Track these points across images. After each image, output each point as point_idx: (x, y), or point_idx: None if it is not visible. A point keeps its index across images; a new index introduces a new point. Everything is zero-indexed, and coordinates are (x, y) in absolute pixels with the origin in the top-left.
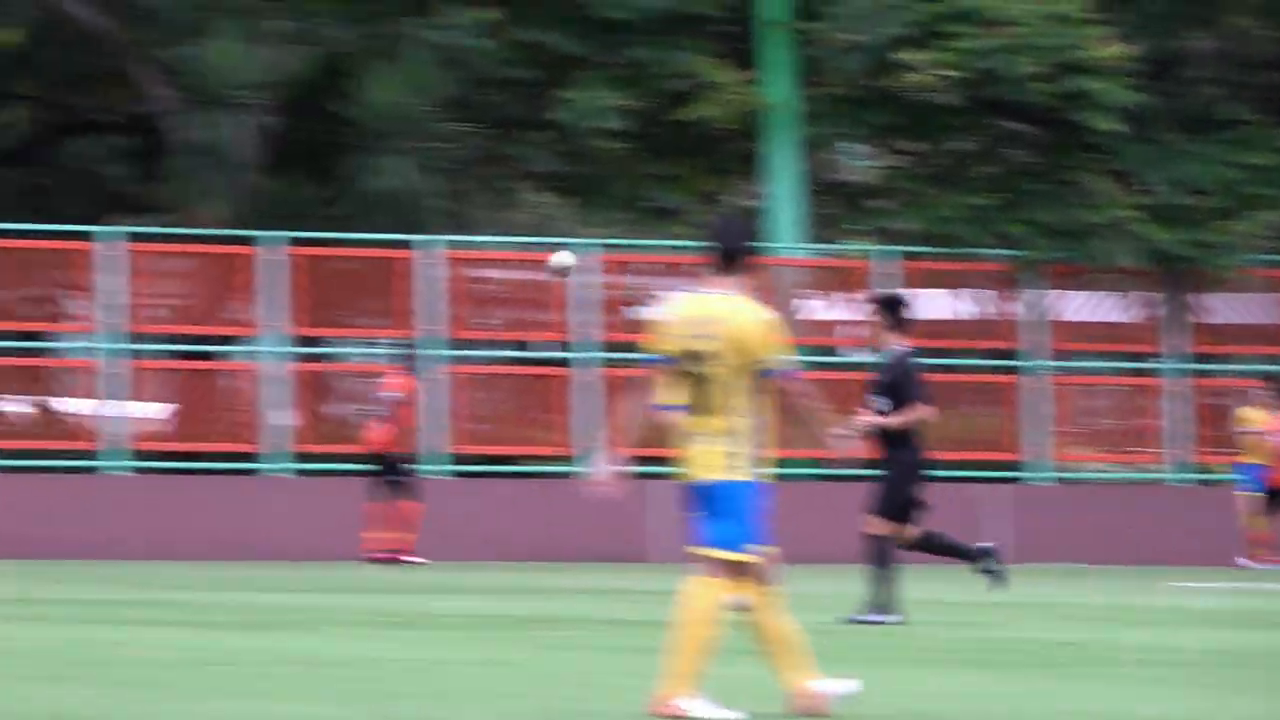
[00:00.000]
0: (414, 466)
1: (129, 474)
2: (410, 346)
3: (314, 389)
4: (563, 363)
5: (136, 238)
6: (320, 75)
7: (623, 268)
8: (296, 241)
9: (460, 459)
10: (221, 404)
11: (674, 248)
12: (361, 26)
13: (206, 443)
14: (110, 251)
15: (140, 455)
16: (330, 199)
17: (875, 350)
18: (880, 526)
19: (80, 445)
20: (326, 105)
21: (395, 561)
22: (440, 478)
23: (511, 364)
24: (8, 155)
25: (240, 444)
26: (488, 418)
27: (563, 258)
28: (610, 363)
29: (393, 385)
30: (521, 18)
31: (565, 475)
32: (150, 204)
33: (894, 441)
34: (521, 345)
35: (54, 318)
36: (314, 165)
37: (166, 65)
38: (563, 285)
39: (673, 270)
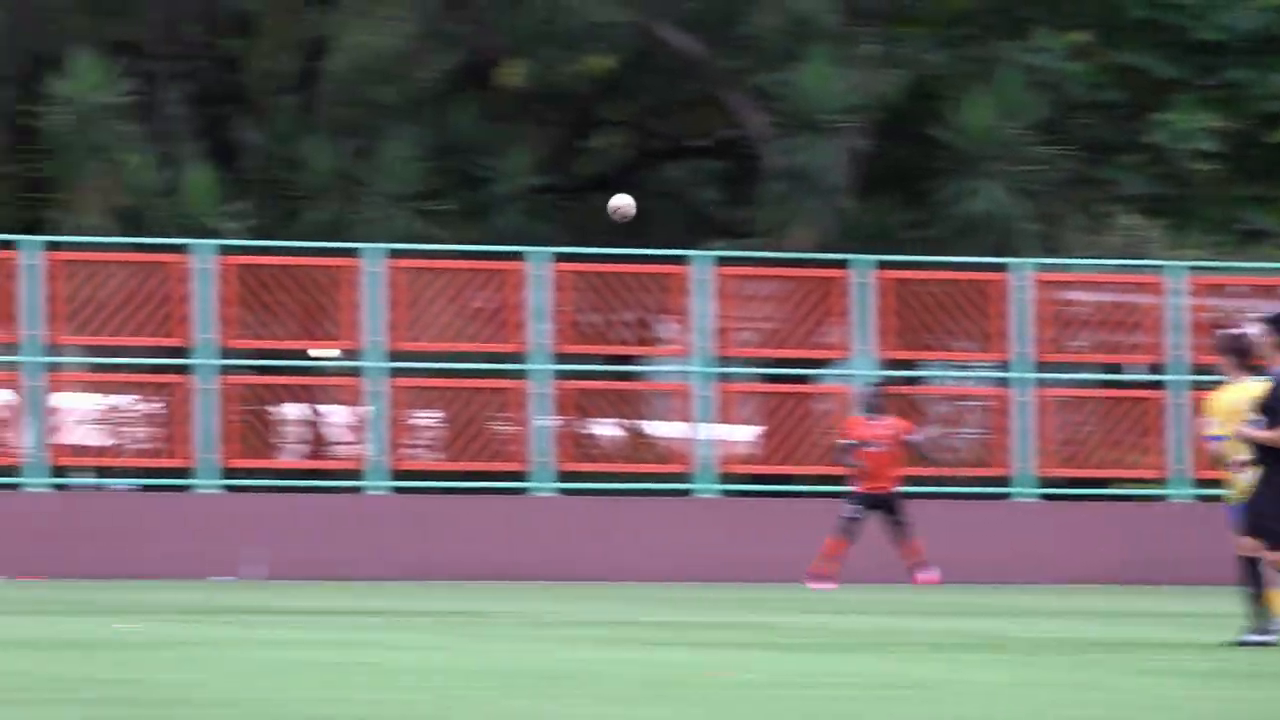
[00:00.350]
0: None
1: (717, 497)
2: (876, 387)
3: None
4: (1155, 385)
5: (726, 261)
6: (911, 98)
7: (1213, 290)
8: (885, 265)
9: (1047, 481)
10: (811, 427)
11: (1266, 270)
12: (953, 50)
13: (795, 465)
14: (702, 275)
15: (728, 478)
16: (920, 222)
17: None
18: (1251, 547)
19: (671, 469)
20: (917, 128)
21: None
22: (1027, 500)
23: (1100, 387)
24: (602, 180)
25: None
26: (1076, 440)
27: (620, 200)
28: (1201, 385)
29: (856, 429)
30: (1113, 41)
31: (1158, 498)
32: (741, 228)
33: (1271, 461)
34: (1112, 368)
35: (646, 341)
36: (904, 188)
37: (759, 90)
38: (1156, 307)
39: (1264, 292)
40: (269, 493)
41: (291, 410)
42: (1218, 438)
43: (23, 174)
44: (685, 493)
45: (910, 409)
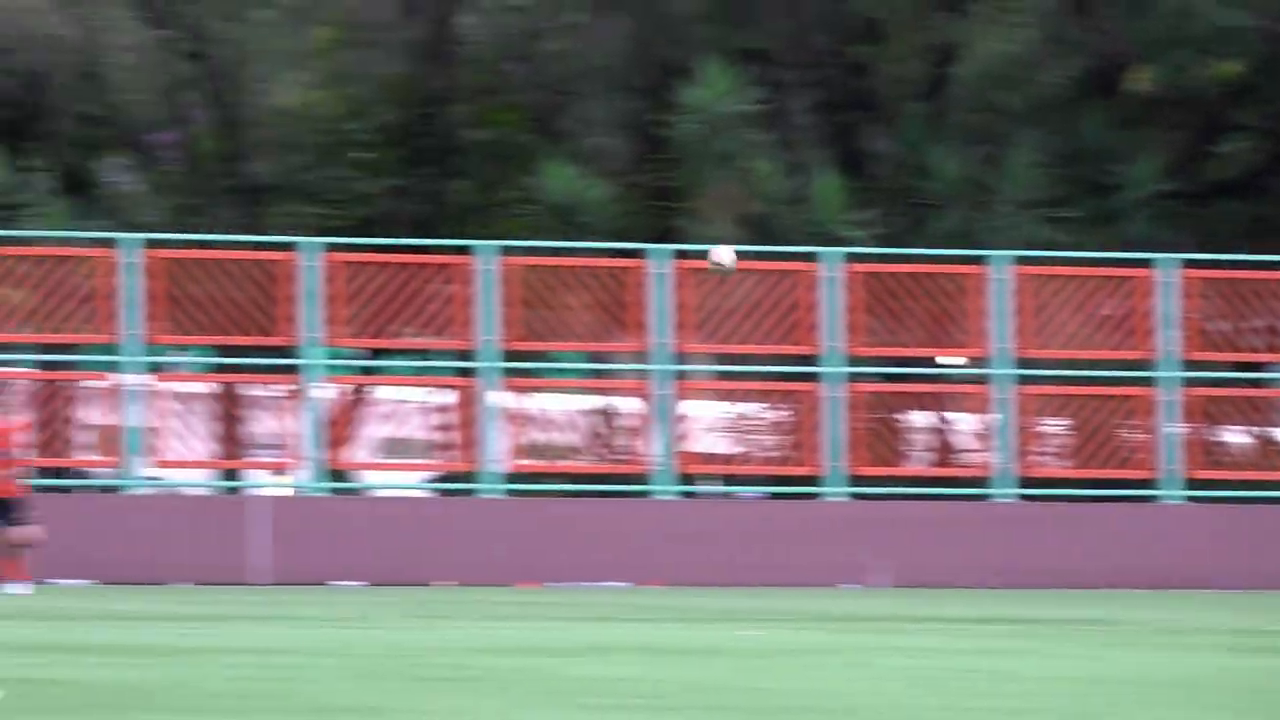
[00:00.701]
0: None
1: None
2: None
3: None
4: None
5: None
6: None
7: None
8: None
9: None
10: None
11: None
12: None
13: None
14: None
15: None
16: None
17: None
18: None
19: None
20: None
21: None
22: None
23: None
24: (1230, 186)
25: None
26: None
27: (721, 255)
28: None
29: None
30: None
31: None
32: None
33: None
34: None
35: (1277, 348)
36: None
37: None
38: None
39: None
40: (896, 500)
41: (919, 418)
42: None
43: (653, 183)
44: None
45: None
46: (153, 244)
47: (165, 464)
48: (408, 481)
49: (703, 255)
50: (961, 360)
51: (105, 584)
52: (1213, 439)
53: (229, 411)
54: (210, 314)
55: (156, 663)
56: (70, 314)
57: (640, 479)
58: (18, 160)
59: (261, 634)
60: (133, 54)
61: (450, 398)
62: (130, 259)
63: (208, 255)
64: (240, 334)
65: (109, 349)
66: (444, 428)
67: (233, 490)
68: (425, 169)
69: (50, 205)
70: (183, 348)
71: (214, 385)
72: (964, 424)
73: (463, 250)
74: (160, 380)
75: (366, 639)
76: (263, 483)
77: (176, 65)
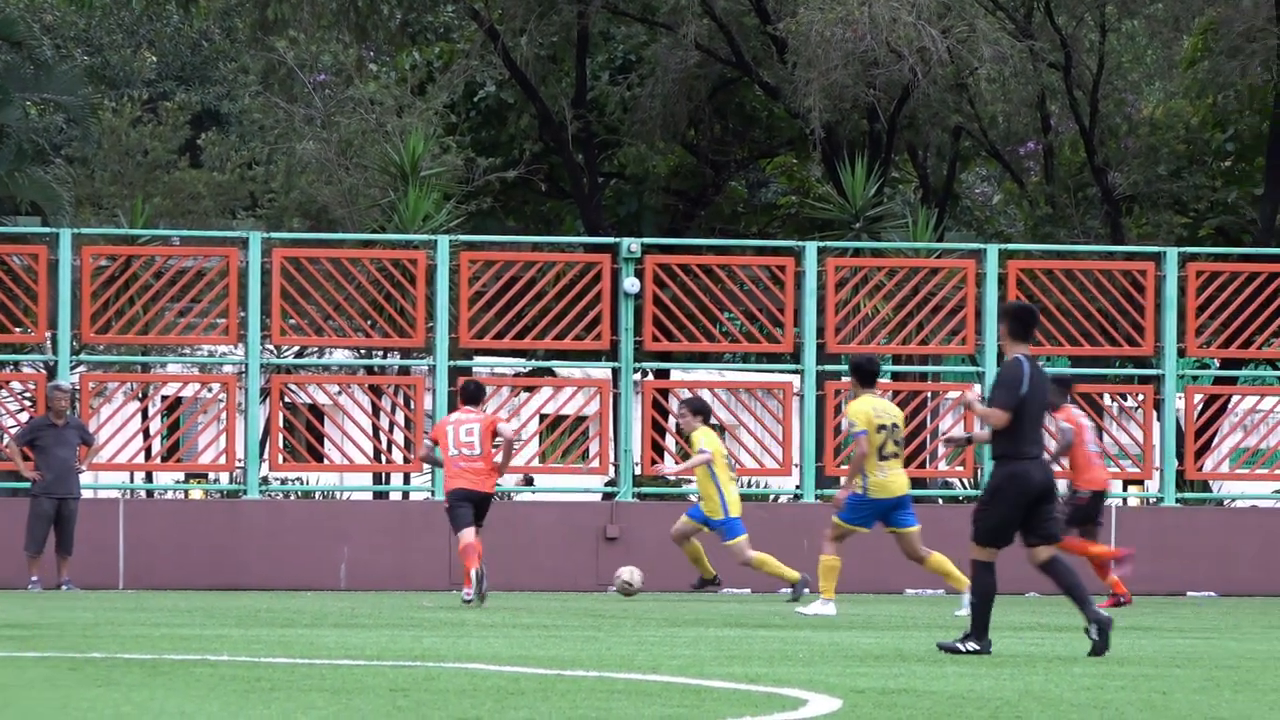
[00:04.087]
0: None
1: None
2: None
3: None
4: None
5: None
6: None
7: None
8: None
9: None
10: None
11: None
12: None
13: None
14: None
15: None
16: None
17: None
18: None
19: None
20: None
21: None
22: None
23: None
24: None
25: None
26: None
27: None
28: None
29: None
30: None
31: None
32: None
33: None
34: None
35: None
36: None
37: None
38: None
39: None
40: None
41: None
42: None
43: None
44: None
45: None
46: (1011, 255)
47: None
48: (1260, 492)
49: None
50: None
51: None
52: None
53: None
54: (1066, 324)
55: (1011, 674)
56: (930, 326)
57: None
58: (883, 172)
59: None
60: (1000, 65)
61: None
62: (990, 270)
63: (1065, 265)
64: (1095, 344)
65: (966, 360)
66: None
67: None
68: None
69: (913, 216)
70: (1039, 359)
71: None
72: None
73: None
74: None
75: (1218, 650)
76: (1119, 494)
77: (1042, 76)
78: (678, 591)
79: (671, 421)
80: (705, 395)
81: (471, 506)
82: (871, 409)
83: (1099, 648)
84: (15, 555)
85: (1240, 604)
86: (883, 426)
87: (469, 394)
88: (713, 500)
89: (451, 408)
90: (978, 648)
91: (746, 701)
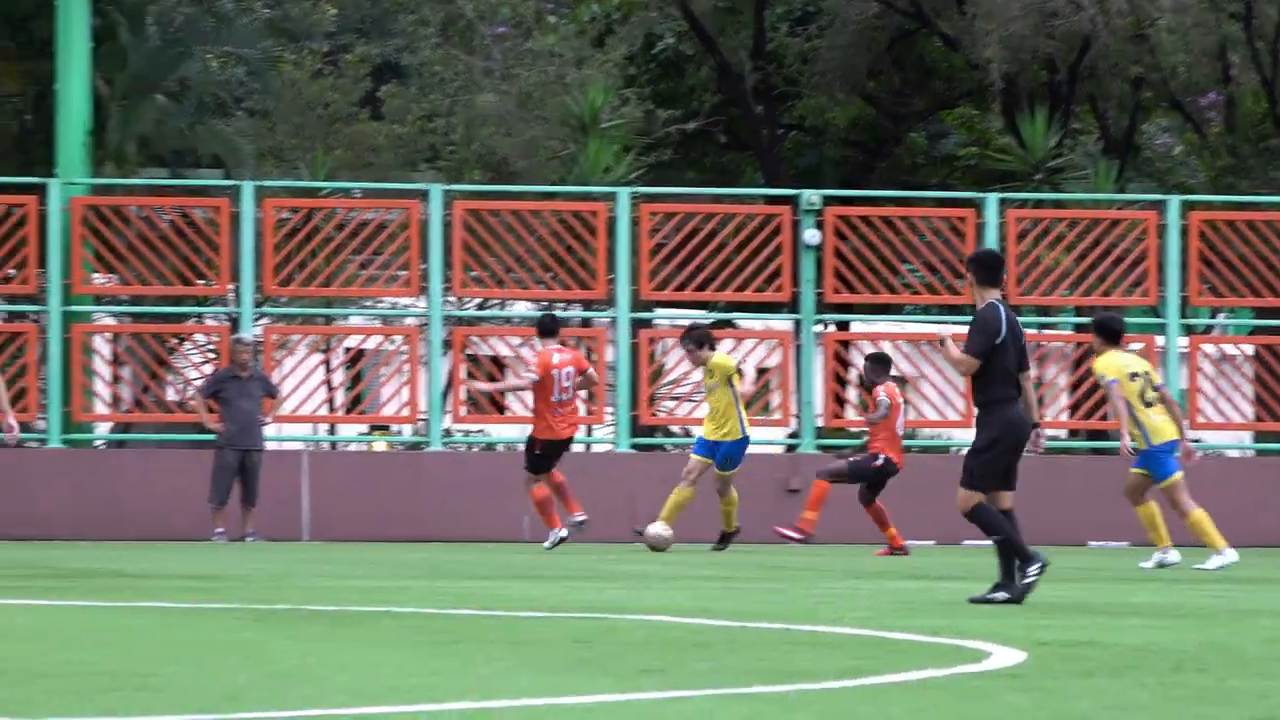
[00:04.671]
0: None
1: None
2: None
3: None
4: None
5: None
6: None
7: None
8: None
9: None
10: None
11: None
12: None
13: None
14: None
15: None
16: None
17: None
18: None
19: None
20: None
21: None
22: None
23: None
24: None
25: None
26: None
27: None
28: None
29: None
30: None
31: None
32: None
33: None
34: None
35: None
36: None
37: None
38: None
39: None
40: None
41: None
42: None
43: None
44: None
45: None
46: (1192, 206)
47: (1202, 426)
48: None
49: None
50: None
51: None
52: None
53: (1271, 373)
54: (1249, 276)
55: (1194, 625)
56: (1112, 278)
57: None
58: (1063, 123)
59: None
60: (1181, 16)
61: None
62: (1172, 221)
63: (1247, 216)
64: (1278, 295)
65: (1148, 311)
66: None
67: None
68: None
69: (1095, 167)
70: (1222, 310)
71: (1254, 347)
72: None
73: None
74: (1201, 342)
75: None
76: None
77: (1223, 26)
78: (860, 543)
79: (853, 373)
80: (886, 346)
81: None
82: (1119, 360)
83: (1022, 591)
84: (200, 507)
85: None
86: (1134, 374)
87: (551, 328)
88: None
89: (633, 361)
90: (1039, 563)
91: (929, 654)
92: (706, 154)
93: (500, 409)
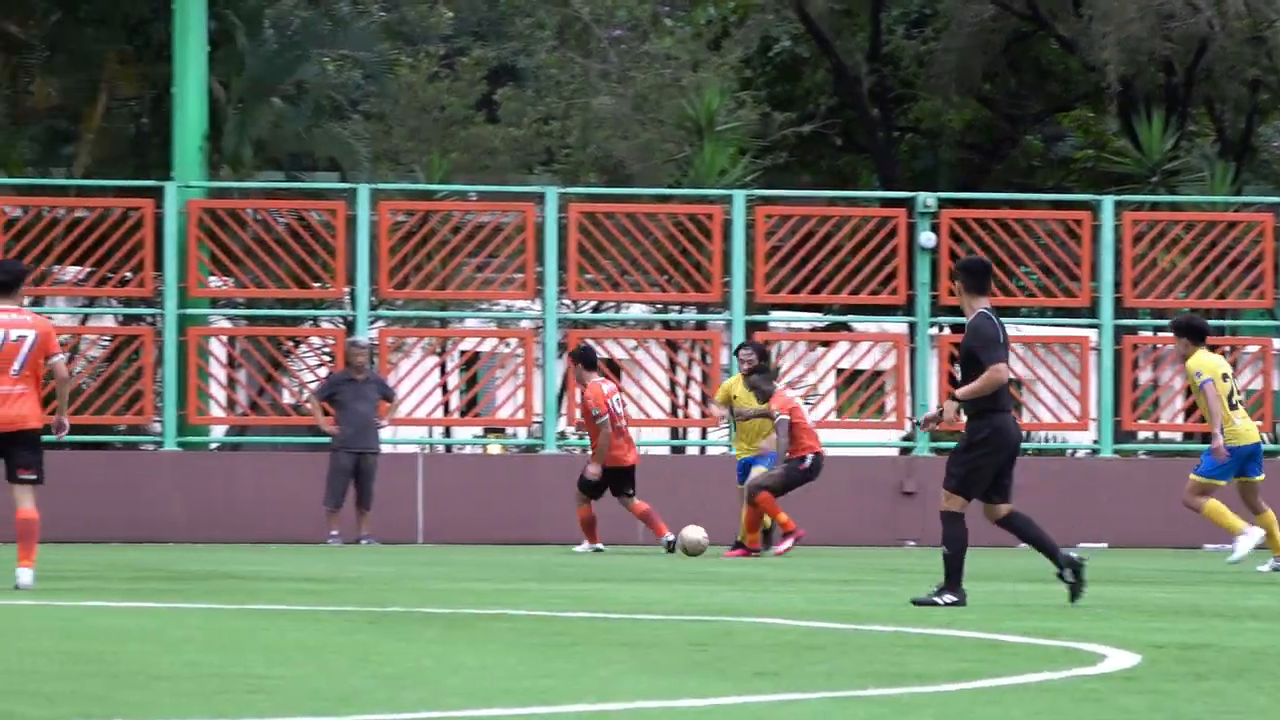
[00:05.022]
0: None
1: None
2: None
3: None
4: None
5: None
6: None
7: None
8: None
9: None
10: None
11: None
12: None
13: None
14: None
15: None
16: None
17: None
18: None
19: None
20: None
21: None
22: None
23: None
24: None
25: None
26: None
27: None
28: None
29: None
30: None
31: None
32: None
33: None
34: None
35: None
36: None
37: None
38: None
39: None
40: None
41: None
42: None
43: None
44: None
45: None
46: None
47: None
48: None
49: None
50: None
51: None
52: None
53: None
54: None
55: None
56: (1228, 280)
57: None
58: (1180, 125)
59: None
60: None
61: None
62: None
63: None
64: None
65: (1264, 314)
66: None
67: None
68: None
69: (1211, 170)
70: None
71: None
72: None
73: None
74: None
75: None
76: None
77: None
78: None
79: None
80: None
81: None
82: (1212, 360)
83: (1075, 590)
84: (315, 510)
85: None
86: (1226, 375)
87: (592, 360)
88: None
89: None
90: (955, 599)
91: (1043, 657)
92: (822, 156)
93: None
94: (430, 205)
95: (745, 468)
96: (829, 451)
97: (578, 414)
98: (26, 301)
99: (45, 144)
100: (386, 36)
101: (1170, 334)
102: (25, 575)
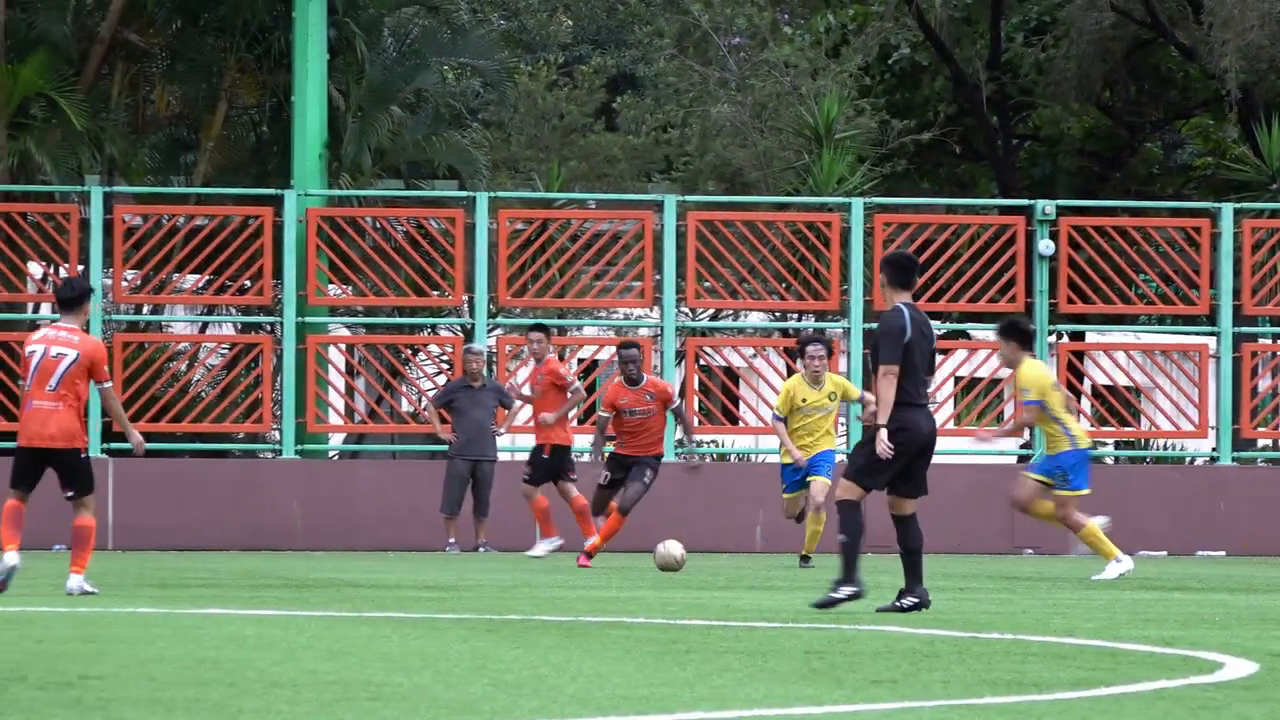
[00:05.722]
0: None
1: None
2: None
3: None
4: None
5: None
6: None
7: None
8: None
9: None
10: None
11: None
12: None
13: None
14: None
15: None
16: None
17: None
18: None
19: None
20: None
21: None
22: None
23: None
24: None
25: None
26: None
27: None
28: None
29: None
30: None
31: None
32: None
33: None
34: None
35: None
36: None
37: None
38: None
39: None
40: None
41: None
42: None
43: None
44: None
45: None
46: None
47: None
48: None
49: None
50: None
51: None
52: None
53: None
54: None
55: None
56: None
57: None
58: None
59: None
60: None
61: None
62: None
63: None
64: None
65: None
66: None
67: None
68: None
69: None
70: None
71: None
72: None
73: None
74: None
75: None
76: None
77: None
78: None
79: (1087, 384)
80: (1120, 357)
81: None
82: (1040, 369)
83: (901, 609)
84: (433, 518)
85: None
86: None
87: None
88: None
89: (865, 374)
90: (854, 589)
91: (1161, 665)
92: (941, 164)
93: (734, 420)
94: (549, 213)
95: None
96: (947, 459)
97: (527, 389)
98: (146, 310)
99: (165, 152)
100: (506, 44)
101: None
102: (73, 581)
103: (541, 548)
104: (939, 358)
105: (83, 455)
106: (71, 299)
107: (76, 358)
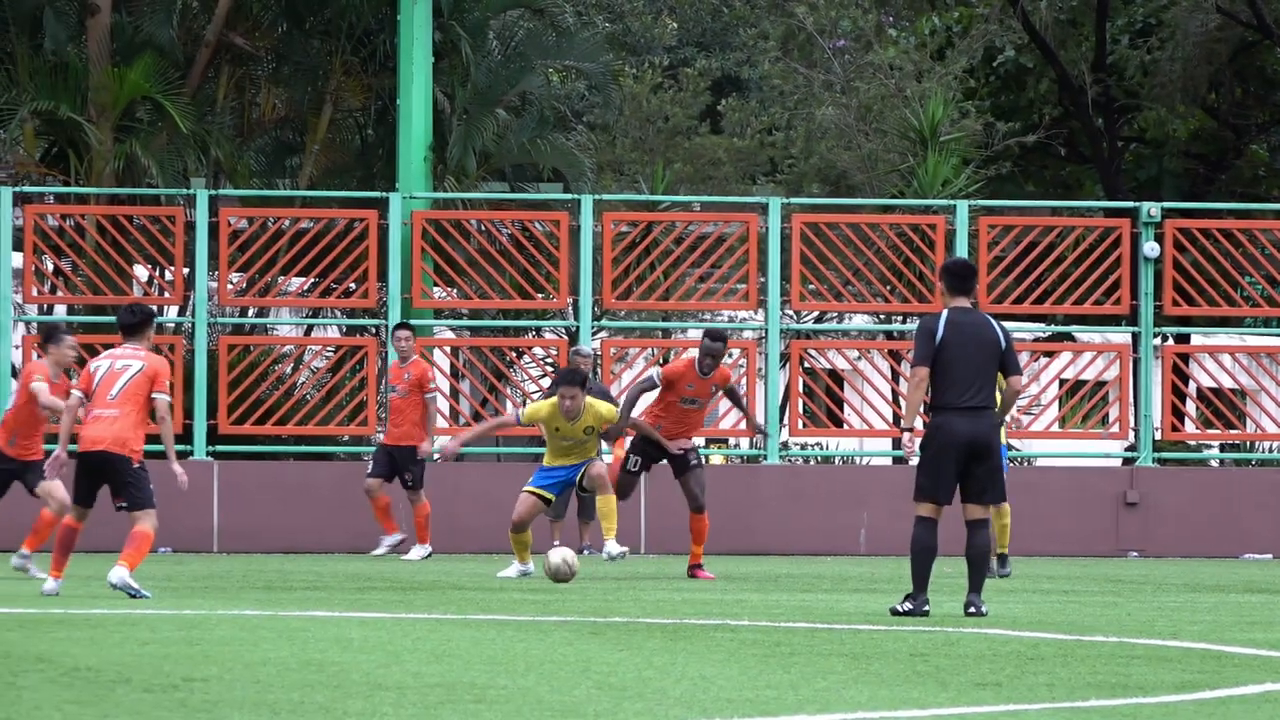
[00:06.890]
0: None
1: None
2: None
3: None
4: None
5: None
6: None
7: None
8: None
9: None
10: None
11: None
12: None
13: None
14: None
15: None
16: None
17: None
18: None
19: None
20: None
21: None
22: None
23: None
24: None
25: None
26: None
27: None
28: None
29: None
30: None
31: None
32: None
33: None
34: None
35: None
36: None
37: None
38: None
39: None
40: None
41: None
42: None
43: None
44: None
45: None
46: None
47: None
48: None
49: None
50: None
51: None
52: None
53: None
54: None
55: None
56: None
57: None
58: None
59: None
60: None
61: None
62: None
63: None
64: None
65: None
66: None
67: None
68: None
69: None
70: None
71: None
72: None
73: None
74: None
75: None
76: None
77: None
78: (1198, 556)
79: (1192, 386)
80: (1226, 359)
81: None
82: None
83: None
84: (538, 520)
85: None
86: None
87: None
88: None
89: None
90: (912, 607)
91: (1267, 668)
92: (1046, 166)
93: (838, 422)
94: (653, 216)
95: None
96: (1051, 461)
97: (390, 389)
98: (251, 312)
99: (271, 155)
100: (611, 47)
101: None
102: (116, 572)
103: (384, 545)
104: (1043, 360)
105: (135, 465)
106: (134, 324)
107: (141, 368)
